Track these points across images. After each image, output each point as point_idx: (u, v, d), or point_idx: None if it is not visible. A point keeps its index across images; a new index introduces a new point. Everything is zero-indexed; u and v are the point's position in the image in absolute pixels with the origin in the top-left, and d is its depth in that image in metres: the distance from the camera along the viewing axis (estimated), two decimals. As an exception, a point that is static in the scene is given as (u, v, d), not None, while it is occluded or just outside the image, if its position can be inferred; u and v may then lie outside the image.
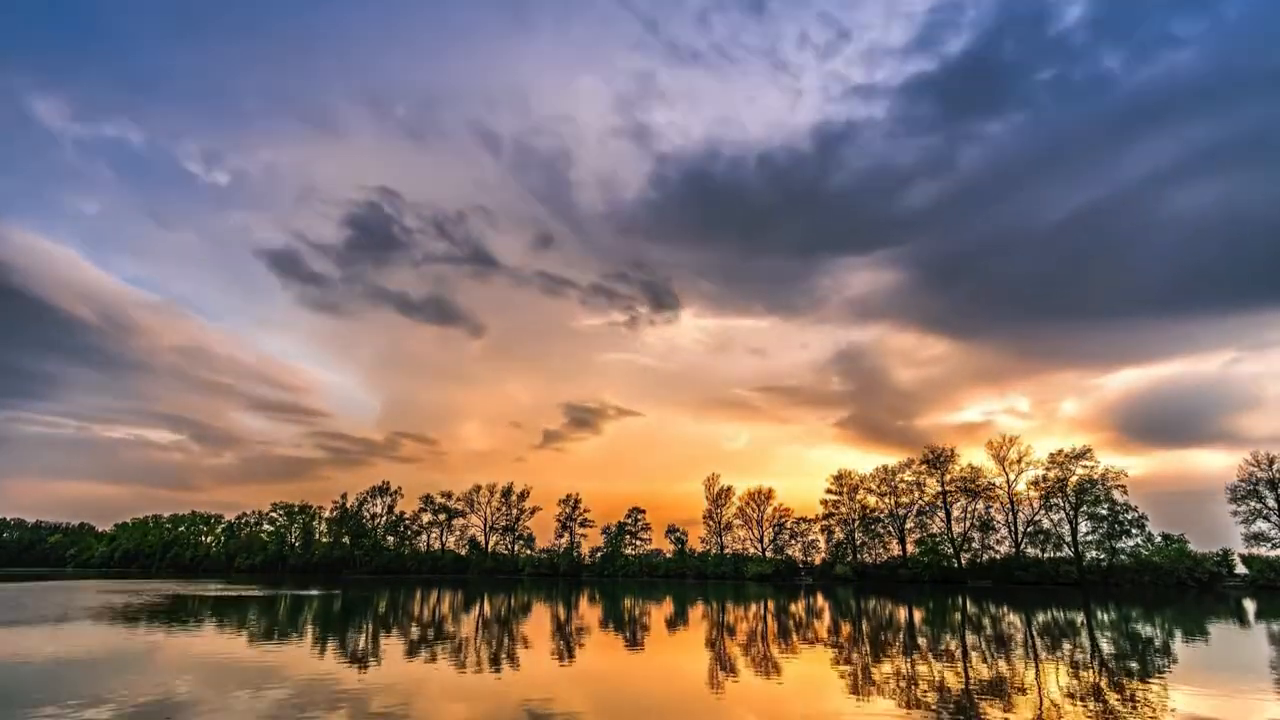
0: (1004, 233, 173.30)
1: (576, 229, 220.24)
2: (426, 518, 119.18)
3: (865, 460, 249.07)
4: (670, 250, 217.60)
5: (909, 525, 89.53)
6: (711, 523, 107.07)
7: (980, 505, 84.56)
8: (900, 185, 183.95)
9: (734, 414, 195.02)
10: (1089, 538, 75.85)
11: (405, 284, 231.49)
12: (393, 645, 21.61)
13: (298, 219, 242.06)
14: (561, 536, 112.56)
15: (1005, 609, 41.64)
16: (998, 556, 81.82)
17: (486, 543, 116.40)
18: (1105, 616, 36.34)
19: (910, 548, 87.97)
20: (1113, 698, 13.75)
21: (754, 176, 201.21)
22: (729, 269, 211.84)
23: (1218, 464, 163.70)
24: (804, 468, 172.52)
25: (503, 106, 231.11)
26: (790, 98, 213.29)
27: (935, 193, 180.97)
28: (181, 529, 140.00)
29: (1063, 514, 78.05)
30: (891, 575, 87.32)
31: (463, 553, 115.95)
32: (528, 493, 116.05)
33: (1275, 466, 68.69)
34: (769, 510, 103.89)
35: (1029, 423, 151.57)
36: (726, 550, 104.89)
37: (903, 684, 15.13)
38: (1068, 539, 77.22)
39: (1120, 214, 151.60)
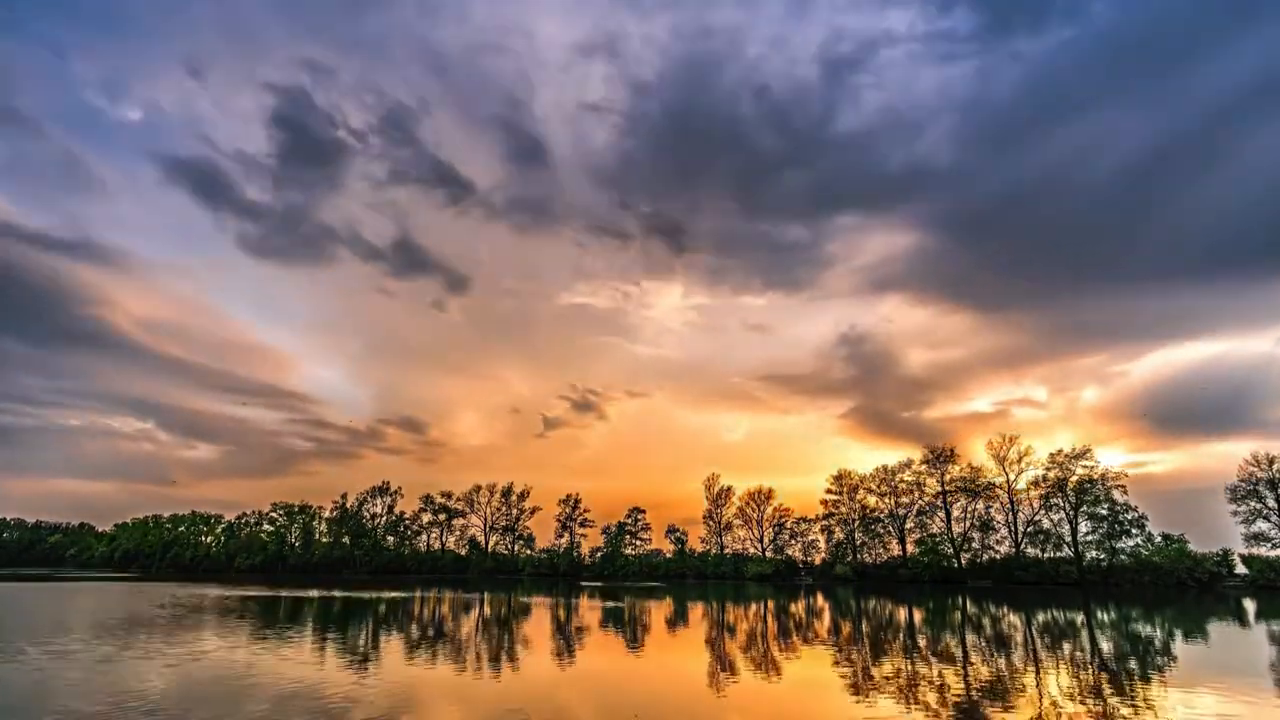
0: (1040, 181, 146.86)
1: (545, 182, 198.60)
2: (426, 518, 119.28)
3: (871, 455, 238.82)
4: (656, 212, 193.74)
5: (909, 525, 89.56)
6: (711, 523, 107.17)
7: (980, 505, 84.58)
8: (922, 125, 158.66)
9: (734, 405, 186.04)
10: (1089, 538, 75.88)
11: (358, 220, 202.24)
12: (392, 646, 21.61)
13: (213, 120, 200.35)
14: (561, 536, 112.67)
15: (1005, 609, 41.61)
16: (998, 556, 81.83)
17: (486, 543, 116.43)
18: (1105, 616, 36.32)
19: (910, 548, 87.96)
20: (1113, 698, 13.74)
21: (751, 114, 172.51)
22: (724, 234, 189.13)
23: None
24: (807, 462, 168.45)
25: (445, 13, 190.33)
26: (793, 5, 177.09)
27: (962, 132, 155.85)
28: (181, 529, 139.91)
29: (1063, 514, 78.07)
30: (891, 575, 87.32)
31: (463, 553, 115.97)
32: (528, 492, 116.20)
33: (1275, 466, 68.71)
34: (769, 510, 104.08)
35: (1045, 413, 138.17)
36: (726, 550, 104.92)
37: (903, 684, 15.13)
38: (1068, 539, 77.22)
39: (1178, 157, 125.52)
